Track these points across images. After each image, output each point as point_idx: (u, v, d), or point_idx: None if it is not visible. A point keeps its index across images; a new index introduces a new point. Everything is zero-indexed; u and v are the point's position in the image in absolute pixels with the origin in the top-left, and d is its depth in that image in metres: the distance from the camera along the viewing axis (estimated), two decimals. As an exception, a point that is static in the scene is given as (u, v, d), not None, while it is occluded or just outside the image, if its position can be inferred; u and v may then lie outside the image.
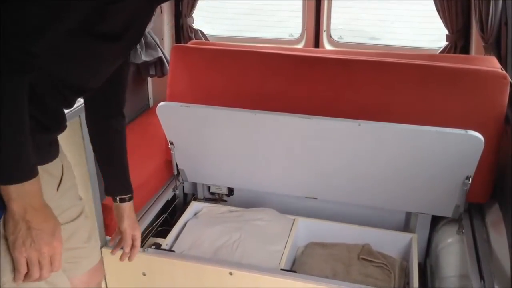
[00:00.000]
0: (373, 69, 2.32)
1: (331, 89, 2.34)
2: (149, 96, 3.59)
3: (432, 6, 3.07)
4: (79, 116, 1.93)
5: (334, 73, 2.35)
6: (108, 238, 2.27)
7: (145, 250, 2.20)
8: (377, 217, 2.53)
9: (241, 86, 2.45)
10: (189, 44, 2.72)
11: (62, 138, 1.88)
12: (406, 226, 2.58)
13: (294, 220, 2.44)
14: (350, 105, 2.30)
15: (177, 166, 2.60)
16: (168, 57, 3.52)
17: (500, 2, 2.54)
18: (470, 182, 2.08)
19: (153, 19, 3.28)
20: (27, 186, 1.11)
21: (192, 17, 3.60)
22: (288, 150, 2.28)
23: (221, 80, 2.48)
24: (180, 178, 2.68)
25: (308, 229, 2.44)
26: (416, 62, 2.31)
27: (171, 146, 2.45)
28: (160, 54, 3.40)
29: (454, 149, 2.01)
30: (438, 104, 2.22)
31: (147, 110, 3.49)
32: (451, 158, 2.04)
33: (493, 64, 2.37)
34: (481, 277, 1.97)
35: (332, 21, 3.49)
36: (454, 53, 3.12)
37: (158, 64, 3.42)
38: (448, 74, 2.23)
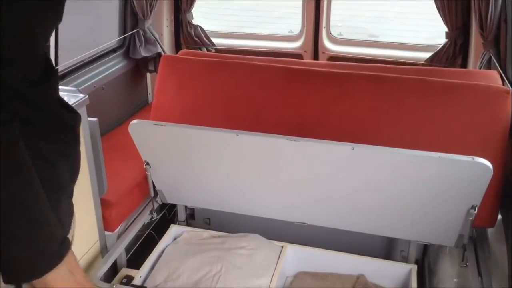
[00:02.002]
0: (369, 84, 2.19)
1: (324, 103, 2.22)
2: (148, 92, 3.59)
3: (431, 3, 3.07)
4: (79, 110, 1.93)
5: (328, 87, 2.24)
6: (107, 233, 2.28)
7: (114, 286, 2.03)
8: (372, 245, 2.32)
9: (231, 98, 2.33)
10: (179, 55, 2.62)
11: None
12: (390, 251, 2.40)
13: (282, 247, 2.25)
14: (343, 120, 2.18)
15: (154, 187, 2.36)
16: (168, 52, 3.53)
17: (500, 0, 2.54)
18: (475, 212, 1.89)
19: (152, 14, 3.28)
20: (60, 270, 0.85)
21: (192, 12, 3.59)
22: (275, 173, 2.08)
23: (210, 92, 2.36)
24: (158, 200, 2.45)
25: (297, 257, 2.24)
26: (415, 77, 2.20)
27: (147, 166, 2.24)
28: (159, 49, 3.40)
29: (458, 177, 1.82)
30: (438, 121, 2.09)
31: (146, 105, 3.49)
32: (455, 186, 1.85)
33: (495, 78, 2.28)
34: (479, 275, 1.98)
35: (332, 17, 3.49)
36: (454, 50, 3.12)
37: (157, 59, 3.42)
38: (449, 89, 2.11)
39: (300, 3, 3.49)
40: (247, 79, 2.34)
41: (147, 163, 2.23)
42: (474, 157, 1.75)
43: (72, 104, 1.88)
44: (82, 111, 1.96)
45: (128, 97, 3.36)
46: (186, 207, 2.60)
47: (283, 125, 2.14)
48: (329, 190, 2.06)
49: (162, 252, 2.27)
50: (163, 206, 2.67)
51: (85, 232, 2.13)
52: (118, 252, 2.23)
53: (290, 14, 3.71)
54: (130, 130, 2.10)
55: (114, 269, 2.31)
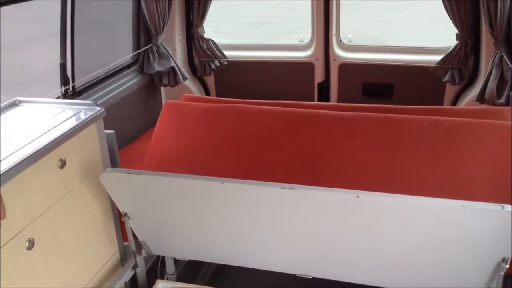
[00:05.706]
0: (377, 125, 2.12)
1: (331, 146, 2.13)
2: (163, 106, 3.65)
3: (440, 6, 3.08)
4: (96, 123, 1.98)
5: (334, 129, 2.16)
6: (126, 244, 2.30)
7: None
8: None
9: (232, 143, 2.24)
10: (182, 101, 2.56)
11: (78, 143, 1.93)
12: None
13: None
14: (350, 162, 2.08)
15: (135, 239, 2.16)
16: (181, 66, 3.59)
17: (509, -2, 2.55)
18: (508, 266, 1.64)
19: (164, 30, 3.35)
20: None
21: (203, 27, 3.66)
22: (270, 222, 1.88)
23: (211, 136, 2.29)
24: (142, 252, 2.22)
25: None
26: (425, 117, 2.12)
27: (125, 217, 2.03)
28: (173, 64, 3.46)
29: (485, 227, 1.60)
30: (451, 161, 1.97)
31: (161, 119, 3.54)
32: (481, 237, 1.62)
33: (508, 116, 2.18)
34: None
35: (342, 24, 3.51)
36: (465, 51, 3.12)
37: (171, 73, 3.49)
38: (460, 128, 2.02)
39: (309, 12, 3.53)
40: (250, 124, 2.27)
41: (125, 214, 2.03)
42: (504, 205, 1.53)
43: (89, 117, 1.93)
44: (99, 124, 2.00)
45: (143, 111, 3.42)
46: (174, 258, 2.39)
47: (287, 169, 2.06)
48: (334, 240, 1.84)
49: None
50: None
51: (104, 243, 2.16)
52: (138, 262, 2.25)
53: (301, 24, 3.75)
54: (102, 180, 1.90)
55: (134, 279, 2.33)
